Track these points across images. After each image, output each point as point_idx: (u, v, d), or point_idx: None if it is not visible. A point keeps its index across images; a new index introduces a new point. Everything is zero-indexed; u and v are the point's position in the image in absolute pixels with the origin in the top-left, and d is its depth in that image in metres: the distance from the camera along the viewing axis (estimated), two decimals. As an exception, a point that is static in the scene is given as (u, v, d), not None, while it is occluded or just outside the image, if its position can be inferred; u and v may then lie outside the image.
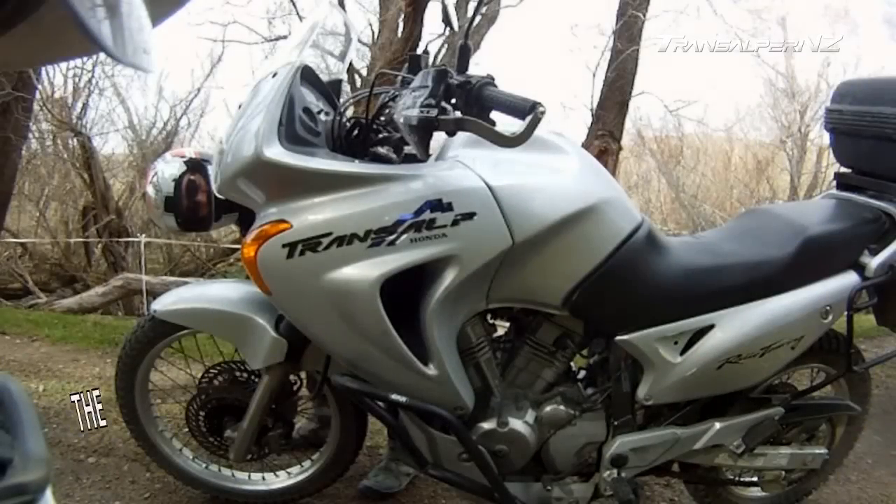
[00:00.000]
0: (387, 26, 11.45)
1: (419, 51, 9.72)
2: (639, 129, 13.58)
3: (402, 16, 10.50)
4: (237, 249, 14.91)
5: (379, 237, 2.05)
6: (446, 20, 2.61)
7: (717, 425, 2.51)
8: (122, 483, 3.57)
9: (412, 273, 2.11)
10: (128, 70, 21.29)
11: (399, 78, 2.57)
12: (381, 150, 2.22)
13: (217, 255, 14.93)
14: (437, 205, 2.04)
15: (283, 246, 2.10)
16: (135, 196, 15.68)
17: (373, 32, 12.59)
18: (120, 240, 12.02)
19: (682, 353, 2.35)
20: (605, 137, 9.75)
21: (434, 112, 1.74)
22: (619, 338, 2.32)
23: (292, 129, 2.14)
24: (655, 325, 2.32)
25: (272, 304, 2.42)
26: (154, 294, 9.29)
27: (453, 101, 1.88)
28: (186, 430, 3.09)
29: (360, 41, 12.42)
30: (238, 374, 2.94)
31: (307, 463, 3.13)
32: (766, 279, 2.42)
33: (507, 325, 2.61)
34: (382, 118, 2.27)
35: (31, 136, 14.21)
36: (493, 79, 1.86)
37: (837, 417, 2.92)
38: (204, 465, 3.20)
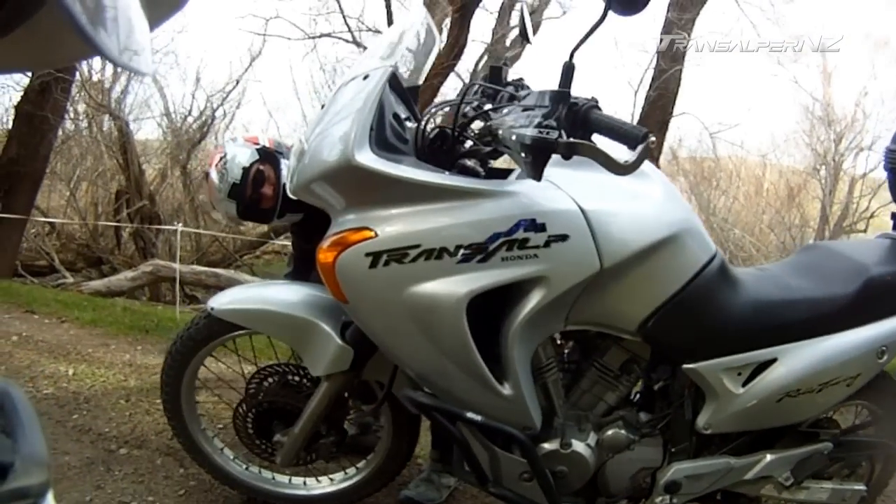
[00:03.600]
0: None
1: (458, 57, 9.62)
2: (673, 148, 13.55)
3: (449, 21, 10.49)
4: (265, 242, 15.05)
5: (470, 253, 2.02)
6: (523, 32, 2.57)
7: (769, 457, 2.50)
8: (156, 477, 3.54)
9: (494, 291, 2.07)
10: (168, 58, 21.50)
11: (478, 88, 2.53)
12: (469, 162, 2.19)
13: (244, 248, 15.00)
14: (531, 224, 2.01)
15: (367, 255, 2.07)
16: (166, 182, 15.77)
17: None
18: (155, 227, 11.99)
19: (745, 384, 2.33)
20: None
21: (554, 134, 1.69)
22: (686, 366, 2.30)
23: (382, 134, 2.12)
24: (721, 356, 2.30)
25: (346, 312, 2.39)
26: (188, 283, 9.30)
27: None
28: (221, 426, 3.05)
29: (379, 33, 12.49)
30: (290, 377, 2.89)
31: (352, 470, 3.09)
32: (828, 316, 2.41)
33: (570, 345, 2.58)
34: (472, 130, 2.22)
35: (66, 116, 14.30)
36: (597, 101, 1.82)
37: (877, 454, 2.89)
38: (244, 467, 3.16)
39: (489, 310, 2.12)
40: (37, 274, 14.20)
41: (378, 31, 12.65)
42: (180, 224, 8.90)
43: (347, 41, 13.22)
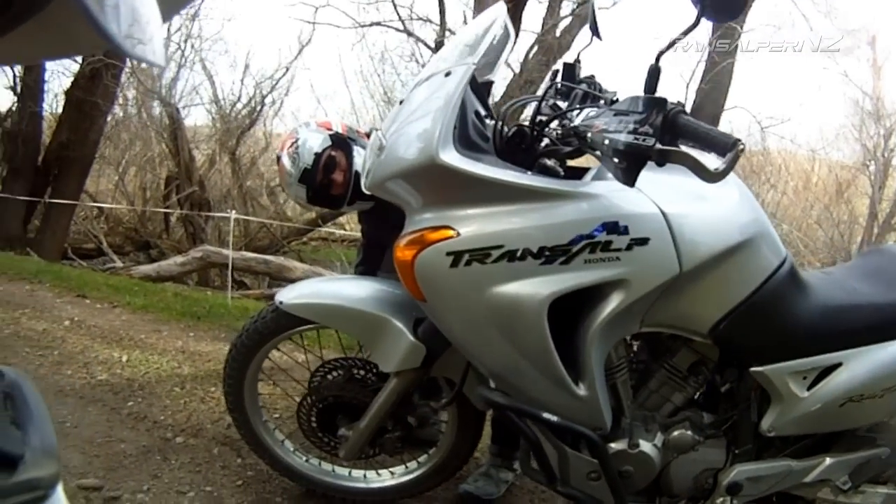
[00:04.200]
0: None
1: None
2: None
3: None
4: (312, 229, 15.17)
5: (553, 255, 2.02)
6: (593, 28, 2.55)
7: (828, 460, 2.48)
8: (213, 467, 3.56)
9: (573, 292, 2.07)
10: (218, 45, 21.57)
11: (552, 86, 2.52)
12: (549, 162, 2.17)
13: (292, 234, 15.12)
14: (614, 227, 2.01)
15: (448, 254, 2.06)
16: (215, 168, 15.90)
17: (466, 21, 12.46)
18: (210, 214, 12.06)
19: (809, 388, 2.32)
20: None
21: (650, 141, 1.68)
22: (753, 369, 2.29)
23: (465, 133, 2.12)
24: (788, 360, 2.29)
25: (423, 309, 2.39)
26: (238, 269, 9.36)
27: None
28: (278, 415, 3.06)
29: (452, 32, 12.41)
30: (356, 371, 2.89)
31: (413, 465, 3.10)
32: (893, 321, 2.38)
33: (639, 345, 2.58)
34: (554, 129, 2.21)
35: (116, 102, 14.46)
36: (683, 105, 1.79)
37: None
38: (305, 458, 3.18)
39: (566, 310, 2.11)
40: (85, 257, 14.43)
41: (428, 20, 12.63)
42: (234, 211, 8.93)
43: (398, 30, 13.17)
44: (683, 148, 1.72)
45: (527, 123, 2.25)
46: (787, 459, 2.47)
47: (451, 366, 2.60)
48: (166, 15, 0.60)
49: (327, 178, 3.09)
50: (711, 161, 1.69)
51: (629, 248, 2.02)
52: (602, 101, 2.04)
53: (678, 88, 12.21)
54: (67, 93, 13.81)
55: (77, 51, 0.77)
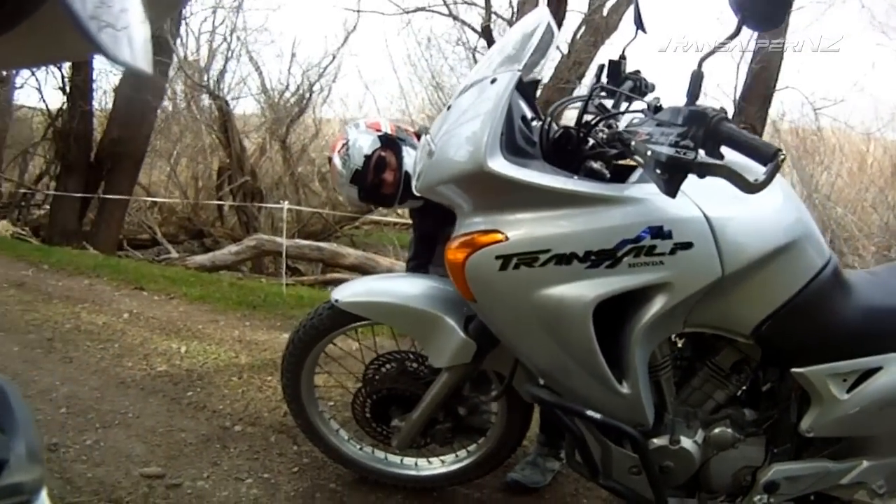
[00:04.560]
0: (529, 3, 11.42)
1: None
2: (774, 121, 13.20)
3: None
4: (363, 215, 15.24)
5: (598, 259, 2.09)
6: (638, 22, 2.61)
7: (866, 463, 2.49)
8: (270, 455, 3.68)
9: (617, 295, 2.14)
10: (263, 35, 21.66)
11: (598, 86, 2.58)
12: (595, 164, 2.22)
13: (344, 219, 15.21)
14: (658, 231, 2.06)
15: (497, 258, 2.15)
16: (265, 156, 16.00)
17: (512, 9, 12.51)
18: (263, 205, 12.19)
19: (849, 390, 2.32)
20: (746, 130, 9.57)
21: (691, 155, 1.74)
22: (794, 370, 2.31)
23: (512, 138, 2.19)
24: (829, 361, 2.30)
25: (472, 308, 2.48)
26: (292, 256, 9.48)
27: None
28: (332, 403, 3.16)
29: (498, 15, 12.45)
30: (408, 363, 3.00)
31: (463, 454, 3.20)
32: None
33: (683, 342, 2.62)
34: (600, 133, 2.28)
35: (165, 96, 14.62)
36: (726, 112, 1.84)
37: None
38: (358, 447, 3.30)
39: (611, 310, 2.18)
40: (139, 247, 14.64)
41: (473, 3, 12.60)
42: (286, 202, 9.05)
43: (443, 14, 13.20)
44: (723, 160, 1.79)
45: (572, 125, 2.31)
46: (824, 460, 2.49)
47: (501, 360, 2.68)
48: (154, 21, 0.61)
49: (378, 178, 3.17)
50: (752, 170, 1.75)
51: (673, 252, 2.08)
52: (646, 106, 2.08)
53: (729, 68, 12.10)
54: (116, 90, 14.07)
55: (65, 56, 0.81)
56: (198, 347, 5.30)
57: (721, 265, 2.10)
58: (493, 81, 2.24)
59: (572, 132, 2.29)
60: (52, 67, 14.85)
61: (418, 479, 3.25)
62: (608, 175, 2.22)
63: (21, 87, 18.53)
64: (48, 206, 14.83)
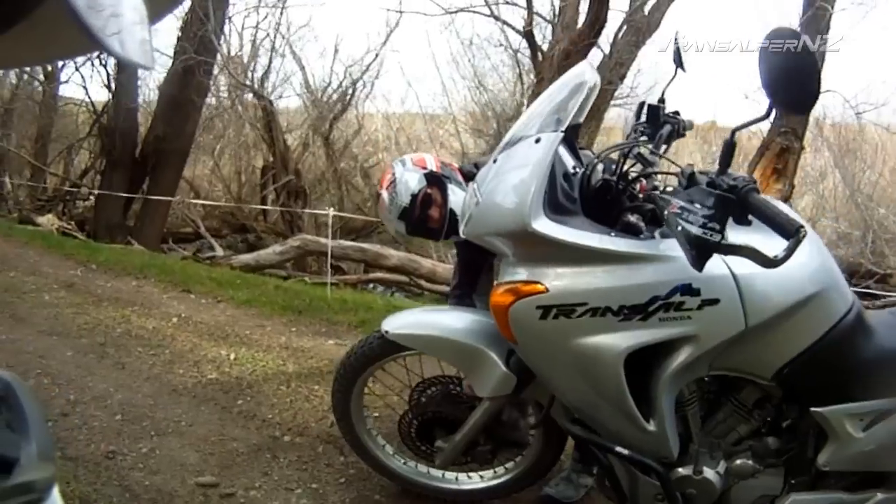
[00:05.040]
0: (570, 5, 11.46)
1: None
2: (816, 118, 13.03)
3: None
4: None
5: (631, 313, 2.26)
6: (678, 61, 2.75)
7: (880, 496, 2.57)
8: (318, 465, 3.86)
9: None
10: (306, 32, 21.65)
11: (637, 128, 2.72)
12: (632, 218, 2.39)
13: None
14: (687, 289, 2.22)
15: (538, 307, 2.34)
16: (308, 151, 16.12)
17: (553, 6, 12.65)
18: (308, 211, 12.36)
19: (866, 429, 2.42)
20: (787, 135, 9.47)
21: (717, 237, 1.89)
22: (813, 409, 2.42)
23: (554, 196, 2.36)
24: (847, 402, 2.41)
25: (515, 349, 2.66)
26: (335, 257, 9.64)
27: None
28: (377, 414, 3.32)
29: (540, 16, 12.48)
30: (452, 387, 3.18)
31: (501, 470, 3.36)
32: None
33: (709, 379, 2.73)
34: (634, 186, 2.43)
35: (210, 93, 14.79)
36: (755, 182, 1.98)
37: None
38: (403, 462, 3.48)
39: (640, 356, 2.35)
40: (183, 240, 14.92)
41: (515, 4, 12.66)
42: (332, 209, 9.22)
43: (485, 15, 13.24)
44: (745, 242, 1.92)
45: (611, 175, 2.49)
46: (839, 492, 2.59)
47: (540, 391, 2.85)
48: (154, 17, 0.61)
49: (424, 214, 3.30)
50: (773, 245, 1.89)
51: (700, 307, 2.23)
52: (681, 172, 2.22)
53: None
54: (161, 88, 14.33)
55: (66, 54, 0.74)
56: (246, 354, 5.48)
57: (745, 319, 2.24)
58: (537, 141, 2.40)
59: (612, 183, 2.47)
60: (97, 63, 15.12)
61: (459, 492, 3.43)
62: (644, 229, 2.38)
63: (66, 81, 18.93)
64: (93, 201, 15.06)
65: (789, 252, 1.85)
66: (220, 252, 13.00)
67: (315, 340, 5.95)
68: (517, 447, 3.27)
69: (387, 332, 2.99)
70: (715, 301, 2.23)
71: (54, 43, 0.60)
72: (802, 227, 1.84)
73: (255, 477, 3.70)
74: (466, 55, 16.02)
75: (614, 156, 2.66)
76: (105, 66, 15.24)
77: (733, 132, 2.07)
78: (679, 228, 1.94)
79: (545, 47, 12.35)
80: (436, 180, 3.31)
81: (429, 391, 3.22)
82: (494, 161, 2.59)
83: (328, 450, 4.01)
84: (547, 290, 2.33)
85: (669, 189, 2.36)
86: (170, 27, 13.31)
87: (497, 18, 13.21)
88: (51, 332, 5.87)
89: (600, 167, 2.61)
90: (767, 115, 2.04)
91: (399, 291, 11.60)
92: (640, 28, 11.82)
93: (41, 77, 18.77)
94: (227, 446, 4.01)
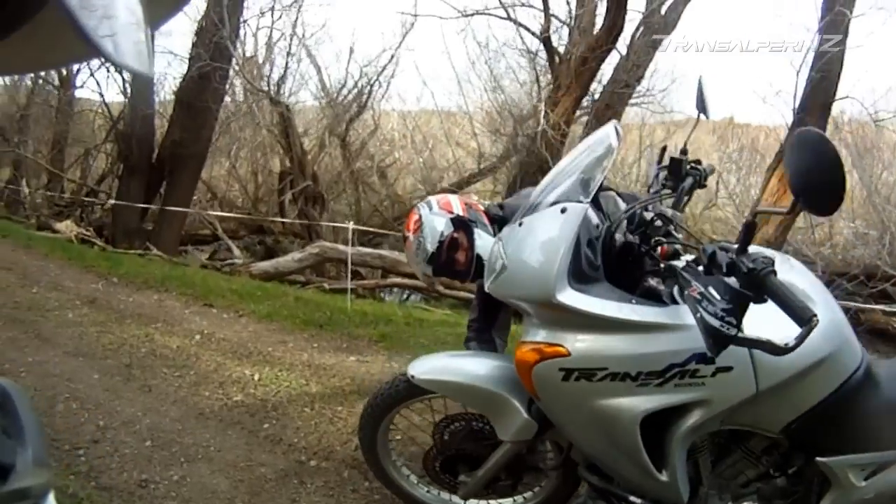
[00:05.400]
0: (587, 10, 11.51)
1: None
2: (834, 117, 12.95)
3: (607, 2, 10.55)
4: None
5: (648, 379, 2.40)
6: (701, 107, 2.83)
7: None
8: (344, 491, 3.97)
9: None
10: (319, 31, 21.69)
11: (657, 176, 2.81)
12: (653, 282, 2.53)
13: (403, 214, 15.48)
14: (702, 357, 2.33)
15: (560, 369, 2.48)
16: (325, 151, 16.18)
17: (569, 8, 12.66)
18: (326, 223, 12.44)
19: (867, 478, 2.51)
20: None
21: (733, 331, 1.98)
22: (818, 459, 2.52)
23: (578, 265, 2.49)
24: (851, 452, 2.51)
25: (537, 402, 2.78)
26: (354, 263, 9.72)
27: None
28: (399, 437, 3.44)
29: (557, 18, 12.52)
30: (475, 424, 3.28)
31: (520, 499, 3.48)
32: None
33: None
34: (655, 249, 2.53)
35: (226, 96, 14.89)
36: (773, 265, 2.04)
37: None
38: (426, 490, 3.61)
39: (654, 415, 2.47)
40: (200, 242, 15.02)
41: (531, 5, 12.68)
42: (352, 222, 9.31)
43: (501, 17, 13.23)
44: (756, 336, 2.03)
45: (634, 238, 2.64)
46: None
47: (559, 435, 2.99)
48: (156, 20, 0.63)
49: (450, 258, 3.39)
50: (784, 330, 1.97)
51: (714, 374, 2.35)
52: (702, 250, 2.26)
53: (789, 77, 11.94)
54: (177, 94, 14.45)
55: (65, 61, 0.77)
56: (269, 374, 5.59)
57: (756, 383, 2.36)
58: (563, 211, 2.51)
59: (634, 245, 2.62)
60: (112, 70, 15.22)
61: (480, 519, 3.55)
62: (664, 294, 2.51)
63: (81, 86, 19.09)
64: (111, 206, 15.19)
65: (800, 340, 1.93)
66: (237, 254, 13.15)
67: (337, 357, 6.07)
68: (537, 480, 3.40)
69: (413, 377, 3.11)
70: (728, 368, 2.34)
71: (53, 49, 0.60)
72: (815, 315, 1.91)
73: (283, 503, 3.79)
74: (483, 56, 16.05)
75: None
76: (120, 72, 15.38)
77: (754, 214, 2.17)
78: (698, 315, 2.04)
79: (561, 49, 12.38)
80: (462, 224, 3.39)
81: (452, 426, 3.33)
82: (520, 224, 2.70)
83: (353, 475, 4.12)
84: (569, 353, 2.46)
85: (689, 258, 2.47)
86: (185, 29, 13.41)
87: (514, 21, 13.22)
88: (76, 352, 5.94)
89: (623, 224, 2.71)
90: (791, 210, 2.13)
91: (415, 294, 11.72)
92: (657, 30, 11.85)
93: (56, 82, 18.96)
94: (255, 472, 4.11)
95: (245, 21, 15.03)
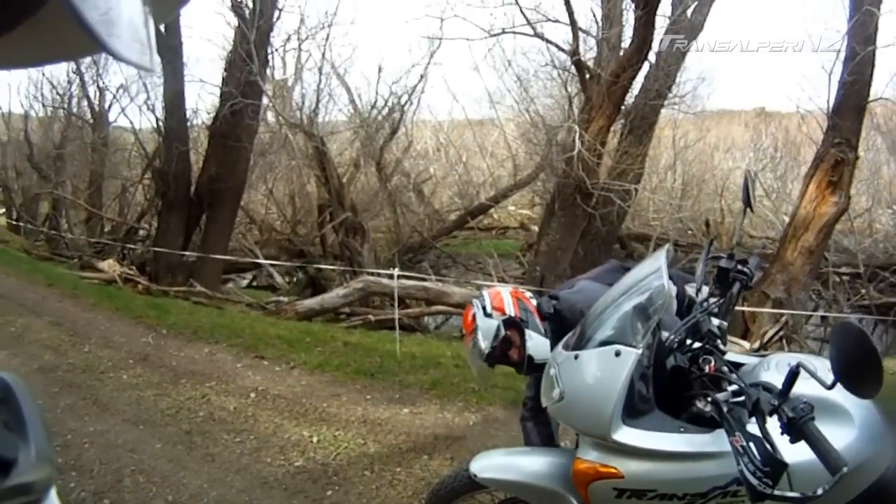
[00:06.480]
0: (614, 24, 11.61)
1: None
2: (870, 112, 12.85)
3: (634, 21, 10.59)
4: (460, 227, 15.63)
5: (693, 499, 2.55)
6: (746, 201, 2.93)
7: None
8: (410, 559, 4.05)
9: None
10: (346, 53, 21.61)
11: (702, 310, 2.90)
12: (700, 405, 2.62)
13: (441, 233, 15.62)
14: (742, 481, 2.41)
15: (614, 489, 2.64)
16: (360, 171, 16.37)
17: (594, 17, 12.73)
18: (371, 271, 12.51)
19: None
20: (841, 146, 9.71)
21: (769, 491, 2.13)
22: None
23: (631, 402, 2.63)
24: None
25: None
26: (399, 297, 9.83)
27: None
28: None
29: (582, 30, 12.48)
30: None
31: None
32: None
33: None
34: (703, 369, 2.65)
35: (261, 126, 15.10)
36: (812, 409, 2.16)
37: None
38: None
39: None
40: (241, 270, 15.24)
41: (557, 21, 12.62)
42: (396, 269, 9.43)
43: (528, 35, 13.24)
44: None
45: (683, 361, 2.76)
46: None
47: None
48: (157, 19, 0.62)
49: (504, 354, 3.49)
50: (811, 479, 2.14)
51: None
52: (748, 395, 2.37)
53: (821, 79, 11.87)
54: (210, 129, 14.72)
55: (68, 55, 0.77)
56: (327, 435, 5.71)
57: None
58: (617, 354, 2.65)
59: (684, 368, 2.74)
60: (145, 109, 15.50)
61: None
62: (710, 415, 2.57)
63: (114, 121, 19.37)
64: (151, 243, 15.43)
65: (827, 492, 2.07)
66: (279, 280, 13.28)
67: (390, 409, 6.20)
68: None
69: (475, 475, 3.23)
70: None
71: (57, 44, 0.61)
72: (846, 465, 2.02)
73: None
74: (511, 70, 16.10)
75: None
76: (153, 111, 15.65)
77: (796, 367, 2.25)
78: (739, 468, 2.20)
79: (590, 62, 12.37)
80: (514, 324, 3.49)
81: None
82: (576, 357, 2.82)
83: (420, 546, 4.20)
84: (623, 476, 2.61)
85: (734, 383, 2.54)
86: (212, 55, 13.56)
87: (541, 38, 13.17)
88: (136, 419, 6.03)
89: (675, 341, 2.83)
90: (832, 387, 2.19)
91: (458, 318, 11.83)
92: (683, 31, 11.86)
93: (89, 117, 19.27)
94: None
95: (275, 50, 15.26)
